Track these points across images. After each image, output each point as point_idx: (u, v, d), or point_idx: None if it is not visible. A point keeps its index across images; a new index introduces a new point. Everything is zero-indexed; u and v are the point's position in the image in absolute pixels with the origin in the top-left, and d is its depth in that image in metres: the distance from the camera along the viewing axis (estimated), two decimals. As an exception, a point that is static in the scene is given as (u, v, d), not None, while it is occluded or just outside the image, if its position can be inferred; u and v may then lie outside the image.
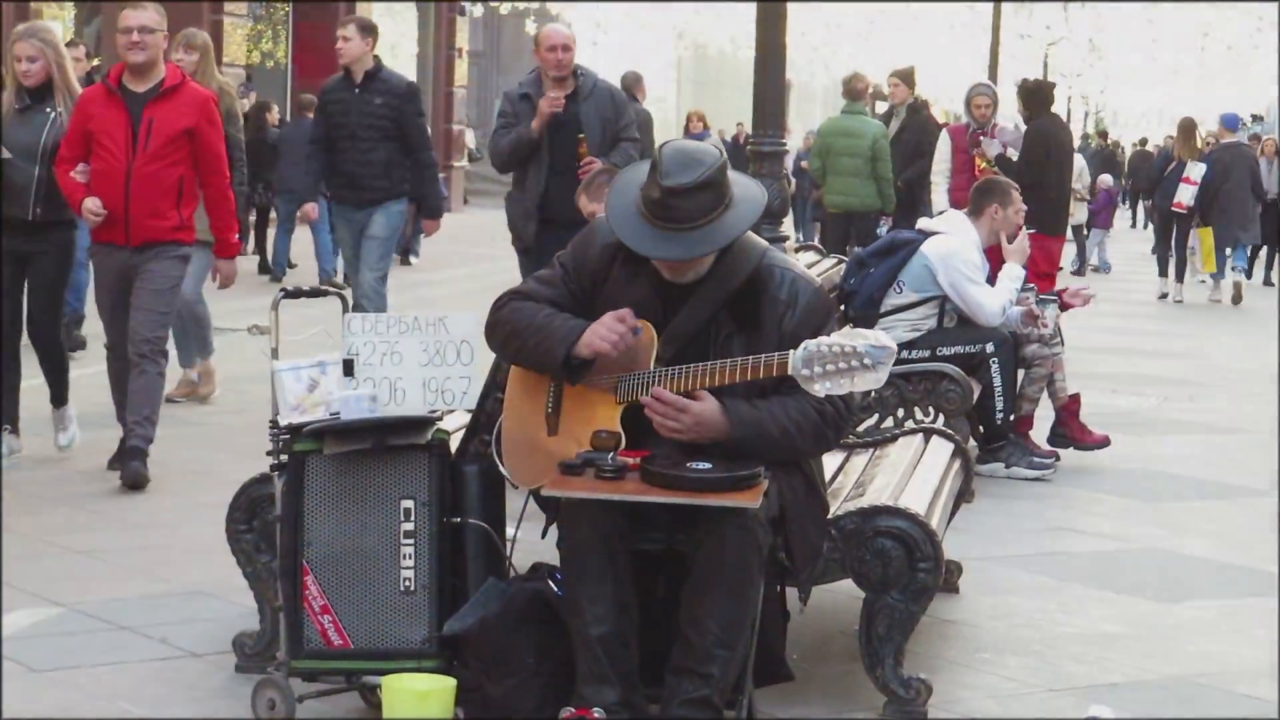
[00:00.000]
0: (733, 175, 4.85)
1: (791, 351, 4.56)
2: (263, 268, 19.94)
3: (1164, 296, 21.69)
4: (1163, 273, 21.96)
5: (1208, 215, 21.33)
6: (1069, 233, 16.63)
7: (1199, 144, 21.87)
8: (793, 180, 20.10)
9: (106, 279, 8.42)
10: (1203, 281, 22.19)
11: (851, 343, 4.48)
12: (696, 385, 4.70)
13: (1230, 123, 23.09)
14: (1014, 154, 13.04)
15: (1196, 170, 21.14)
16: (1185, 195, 21.12)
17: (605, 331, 4.75)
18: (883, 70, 19.78)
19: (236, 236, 8.80)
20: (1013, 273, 9.06)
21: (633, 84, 16.10)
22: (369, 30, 10.80)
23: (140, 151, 8.18)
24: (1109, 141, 37.19)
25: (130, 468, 8.12)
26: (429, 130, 11.37)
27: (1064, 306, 9.50)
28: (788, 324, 4.78)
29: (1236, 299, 21.38)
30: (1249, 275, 22.40)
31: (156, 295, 8.28)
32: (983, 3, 27.21)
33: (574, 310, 4.94)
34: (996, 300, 8.91)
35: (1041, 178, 12.34)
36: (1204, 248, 21.52)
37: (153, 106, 8.25)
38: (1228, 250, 21.70)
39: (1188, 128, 21.82)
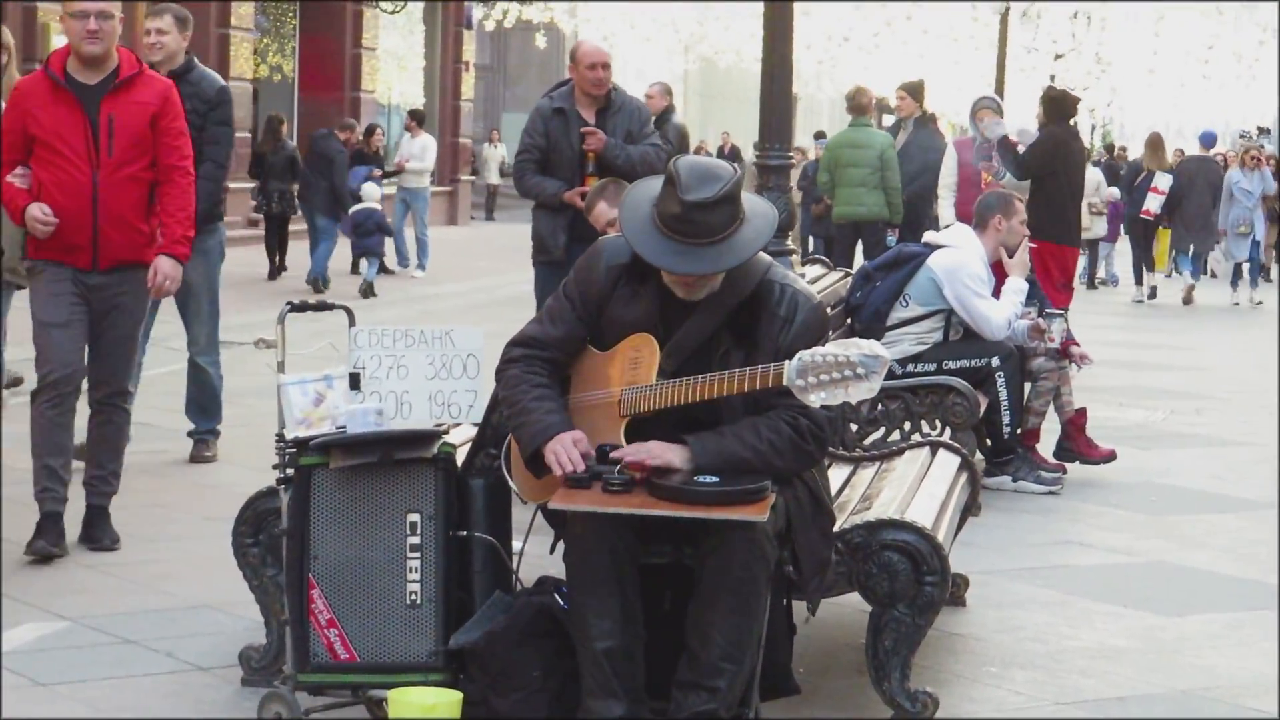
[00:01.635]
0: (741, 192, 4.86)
1: (787, 363, 4.57)
2: (271, 275, 20.62)
3: (1139, 301, 23.35)
4: (1138, 280, 23.83)
5: (1170, 220, 23.74)
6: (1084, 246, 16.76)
7: (1167, 157, 24.07)
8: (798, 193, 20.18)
9: (60, 300, 7.05)
10: (1168, 275, 25.02)
11: (845, 353, 4.48)
12: (696, 397, 4.70)
13: (1207, 140, 25.12)
14: (1021, 147, 12.96)
15: (1164, 181, 23.16)
16: (1153, 204, 23.09)
17: (561, 451, 4.74)
18: (889, 83, 19.78)
19: (190, 238, 7.28)
20: (1016, 286, 9.06)
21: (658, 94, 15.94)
22: (186, 23, 9.18)
23: (105, 157, 6.97)
24: (1115, 154, 37.21)
25: (98, 533, 7.14)
26: (233, 142, 9.60)
27: (1062, 351, 9.45)
28: (784, 340, 4.78)
29: (1186, 300, 22.99)
30: (1196, 278, 24.17)
31: (128, 337, 7.22)
32: (988, 5, 27.16)
33: (588, 333, 4.97)
34: (1001, 314, 8.91)
35: (1045, 182, 12.31)
36: (1160, 248, 24.26)
37: (111, 101, 7.01)
38: (1188, 253, 24.14)
39: (1155, 142, 23.92)
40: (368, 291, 19.04)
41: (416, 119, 23.78)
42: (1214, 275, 27.23)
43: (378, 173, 21.85)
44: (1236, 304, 22.76)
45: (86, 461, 7.28)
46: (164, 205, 7.14)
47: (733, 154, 34.12)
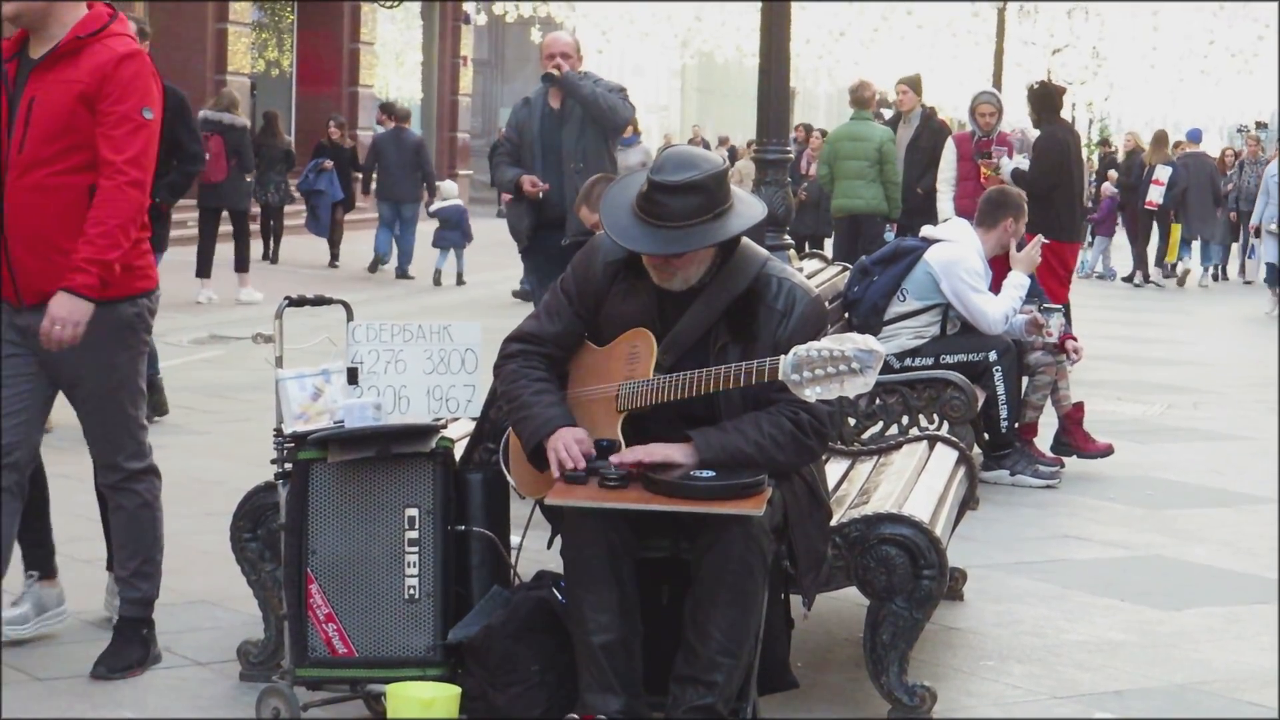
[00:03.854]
0: (737, 191, 4.86)
1: (782, 357, 4.58)
2: (265, 256, 21.72)
3: (1130, 279, 25.31)
4: (1140, 265, 25.64)
5: (1177, 214, 25.34)
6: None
7: (1169, 152, 25.60)
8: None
9: (13, 362, 5.34)
10: (1160, 268, 26.26)
11: (840, 348, 4.49)
12: (692, 393, 4.72)
13: (1194, 136, 27.34)
14: (1023, 160, 12.98)
15: (1164, 173, 24.73)
16: (1154, 194, 24.54)
17: (562, 448, 4.76)
18: (887, 78, 19.76)
19: (107, 262, 5.16)
20: (1018, 281, 9.05)
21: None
22: None
23: (14, 155, 5.20)
24: (1112, 148, 37.28)
25: (113, 654, 5.54)
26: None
27: (1060, 345, 9.44)
28: (782, 333, 4.79)
29: (1181, 282, 25.48)
30: (1216, 273, 26.88)
31: (104, 396, 5.41)
32: (987, 4, 27.17)
33: (585, 329, 4.97)
34: (999, 308, 8.90)
35: (1056, 185, 12.31)
36: (1172, 239, 26.05)
37: (37, 79, 5.24)
38: (1194, 243, 26.08)
39: (1160, 138, 25.74)
40: (439, 279, 20.49)
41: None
42: (1224, 277, 27.35)
43: (328, 164, 22.30)
44: (1269, 313, 21.00)
45: (113, 556, 5.83)
46: (89, 218, 5.20)
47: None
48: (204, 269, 16.88)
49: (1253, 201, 24.09)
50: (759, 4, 9.43)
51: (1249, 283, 25.82)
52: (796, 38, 11.19)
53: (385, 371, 5.23)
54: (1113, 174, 26.39)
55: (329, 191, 22.10)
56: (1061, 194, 12.38)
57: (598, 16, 33.90)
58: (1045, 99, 13.12)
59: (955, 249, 8.93)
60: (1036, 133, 12.97)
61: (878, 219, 15.33)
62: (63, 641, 5.88)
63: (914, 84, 15.86)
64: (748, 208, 4.87)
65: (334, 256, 22.19)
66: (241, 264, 17.35)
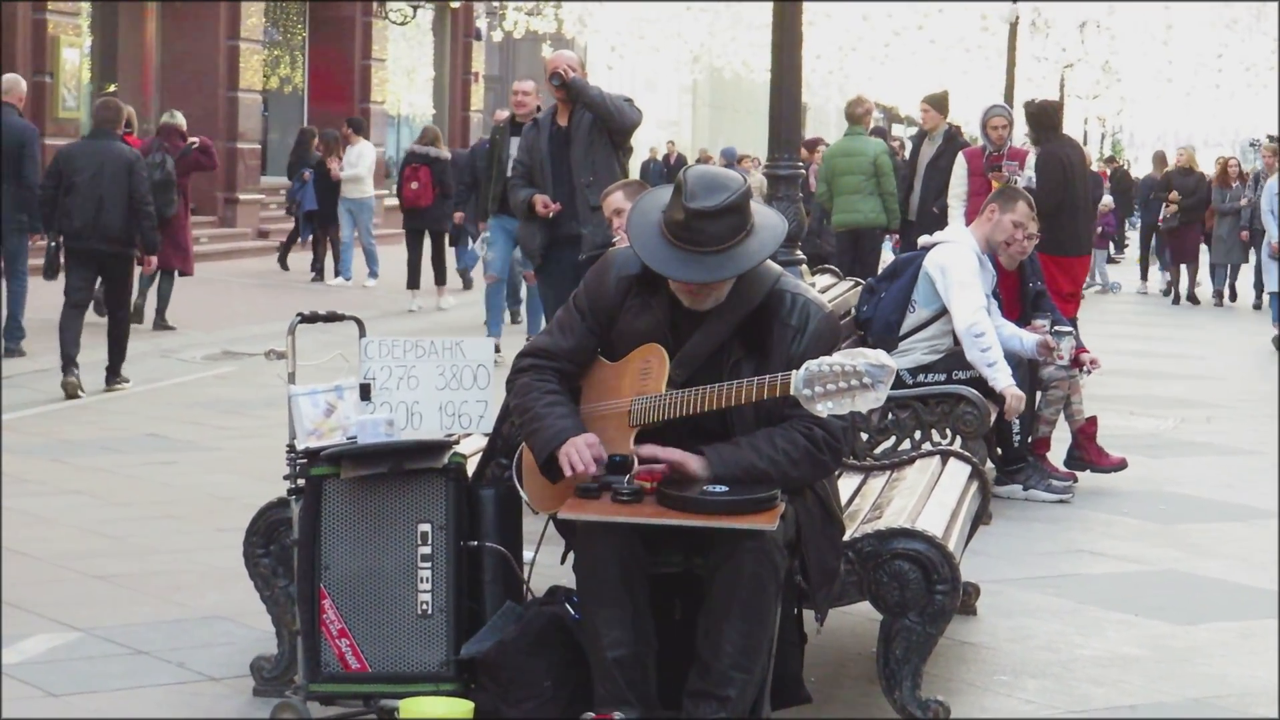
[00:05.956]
0: (751, 203, 4.86)
1: (794, 372, 4.58)
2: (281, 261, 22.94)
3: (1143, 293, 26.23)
4: (1143, 276, 27.09)
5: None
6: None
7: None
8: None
9: None
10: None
11: (852, 362, 4.49)
12: (705, 408, 4.71)
13: None
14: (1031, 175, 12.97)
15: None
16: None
17: (575, 455, 4.75)
18: (899, 93, 19.72)
19: None
20: (1022, 333, 8.91)
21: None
22: None
23: None
24: (1120, 163, 37.28)
25: None
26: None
27: (1075, 359, 9.38)
28: (795, 349, 4.79)
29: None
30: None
31: None
32: (997, 11, 27.15)
33: (598, 344, 4.97)
34: (971, 308, 8.58)
35: (1062, 201, 12.30)
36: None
37: None
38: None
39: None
40: None
41: (354, 126, 23.64)
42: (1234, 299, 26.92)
43: (306, 175, 22.57)
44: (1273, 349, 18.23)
45: None
46: None
47: (679, 162, 33.70)
48: (413, 280, 19.33)
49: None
50: (769, 20, 9.45)
51: (1257, 307, 23.73)
52: (808, 53, 11.22)
53: (398, 387, 5.24)
54: (1107, 200, 26.09)
55: (302, 202, 22.56)
56: (1067, 209, 12.37)
57: (609, 32, 33.91)
58: (1042, 116, 13.10)
59: (950, 247, 8.84)
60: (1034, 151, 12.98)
61: (877, 231, 15.50)
62: (76, 658, 5.89)
63: (936, 102, 15.83)
64: (768, 220, 4.87)
65: (317, 270, 22.32)
66: (440, 277, 19.44)
